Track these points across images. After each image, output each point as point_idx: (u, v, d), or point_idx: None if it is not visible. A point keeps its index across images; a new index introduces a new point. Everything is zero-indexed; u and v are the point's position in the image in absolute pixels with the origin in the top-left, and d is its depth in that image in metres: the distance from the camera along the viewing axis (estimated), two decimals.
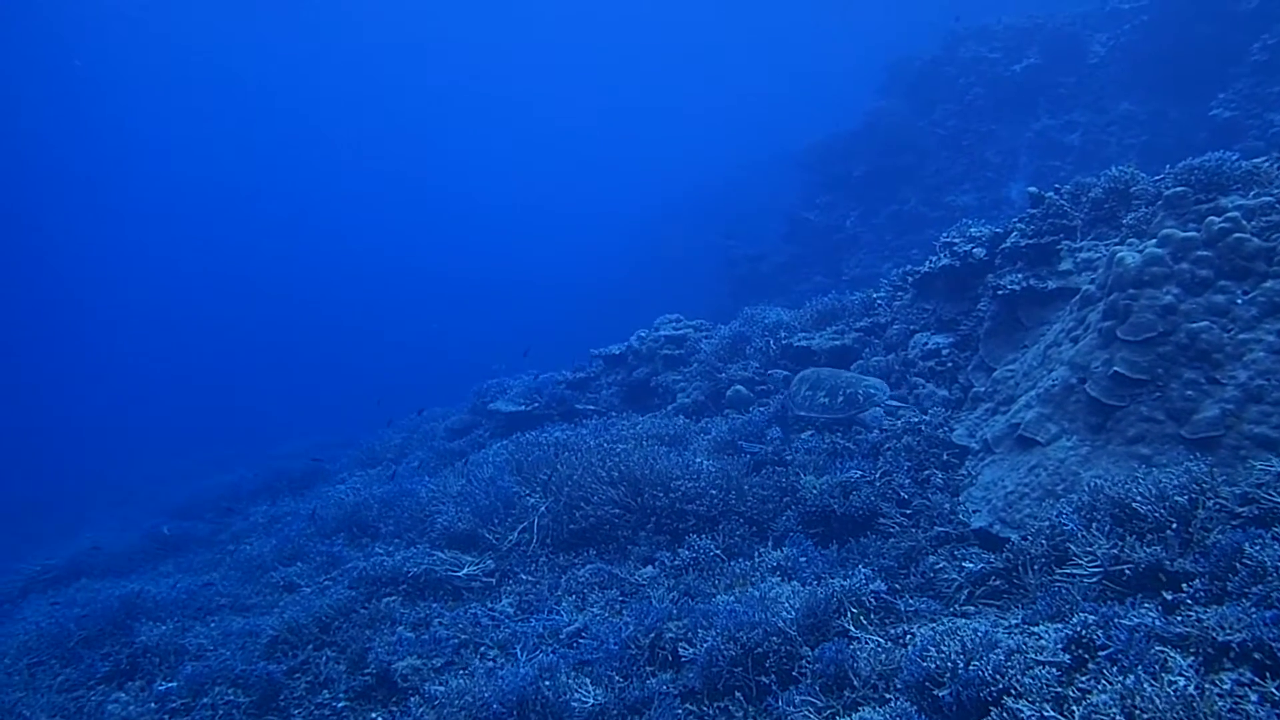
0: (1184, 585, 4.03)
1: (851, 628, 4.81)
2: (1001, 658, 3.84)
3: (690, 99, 65.43)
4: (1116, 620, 3.84)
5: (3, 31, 47.29)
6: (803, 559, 6.00)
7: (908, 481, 6.83)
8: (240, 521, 13.85)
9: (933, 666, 3.99)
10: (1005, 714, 3.57)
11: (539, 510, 7.69)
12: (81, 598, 10.38)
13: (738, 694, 4.70)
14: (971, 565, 5.43)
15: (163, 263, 63.90)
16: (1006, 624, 4.50)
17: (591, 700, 4.97)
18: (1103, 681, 3.51)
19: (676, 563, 6.62)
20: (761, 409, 8.91)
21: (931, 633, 4.36)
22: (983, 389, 7.40)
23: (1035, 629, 4.18)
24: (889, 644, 4.56)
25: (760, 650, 4.77)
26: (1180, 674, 3.38)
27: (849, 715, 4.19)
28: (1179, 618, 3.81)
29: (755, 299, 12.89)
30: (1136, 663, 3.51)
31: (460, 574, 7.35)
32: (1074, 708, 3.46)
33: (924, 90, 24.05)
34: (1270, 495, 4.38)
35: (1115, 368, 5.65)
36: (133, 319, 57.72)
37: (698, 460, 7.71)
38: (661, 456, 7.78)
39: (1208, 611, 3.72)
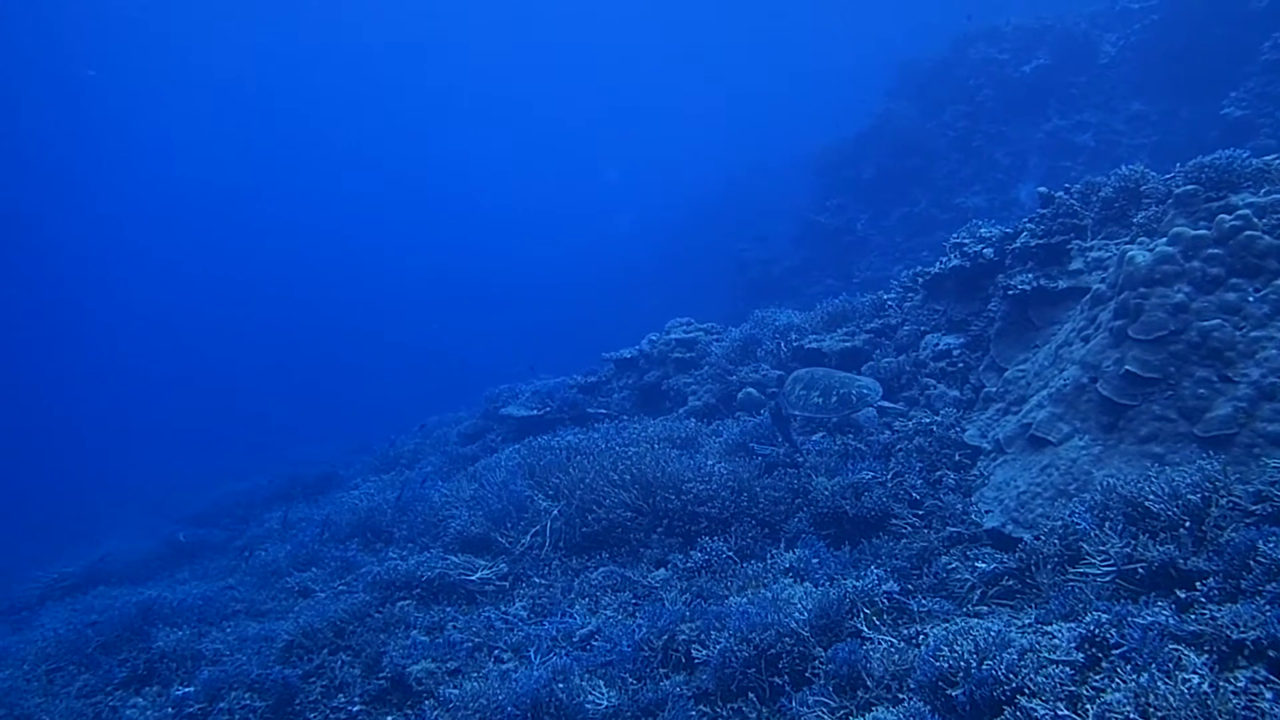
0: (1198, 584, 4.02)
1: (864, 628, 4.81)
2: (1015, 657, 3.84)
3: (695, 100, 65.61)
4: (1130, 619, 3.83)
5: (3, 33, 47.65)
6: (815, 560, 6.01)
7: (920, 482, 6.82)
8: (255, 528, 13.93)
9: (946, 666, 3.99)
10: (1019, 713, 3.57)
11: (551, 514, 7.71)
12: (99, 604, 10.46)
13: (751, 695, 4.71)
14: (984, 565, 5.42)
15: (166, 266, 64.25)
16: (1020, 623, 4.50)
17: (605, 702, 4.99)
18: (1116, 680, 3.51)
19: (689, 565, 6.63)
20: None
21: (944, 632, 4.37)
22: (994, 389, 7.39)
23: (1049, 628, 4.18)
24: (902, 644, 4.57)
25: (773, 651, 4.78)
26: (1194, 672, 3.38)
27: (862, 715, 4.20)
28: (1193, 616, 3.80)
29: (766, 302, 12.89)
30: (1150, 661, 3.51)
31: (474, 578, 7.38)
32: (1088, 706, 3.46)
33: (933, 92, 24.02)
34: None
35: (1127, 366, 5.64)
36: (139, 324, 58.09)
37: (709, 463, 7.72)
38: (673, 459, 7.80)
39: (1222, 609, 3.71)
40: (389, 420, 21.91)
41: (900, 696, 4.19)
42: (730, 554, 6.59)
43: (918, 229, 22.18)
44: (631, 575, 6.77)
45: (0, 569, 17.63)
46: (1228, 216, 5.72)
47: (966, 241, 8.71)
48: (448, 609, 7.12)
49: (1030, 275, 7.65)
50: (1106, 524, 4.68)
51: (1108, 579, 4.45)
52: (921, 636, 4.62)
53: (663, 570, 6.79)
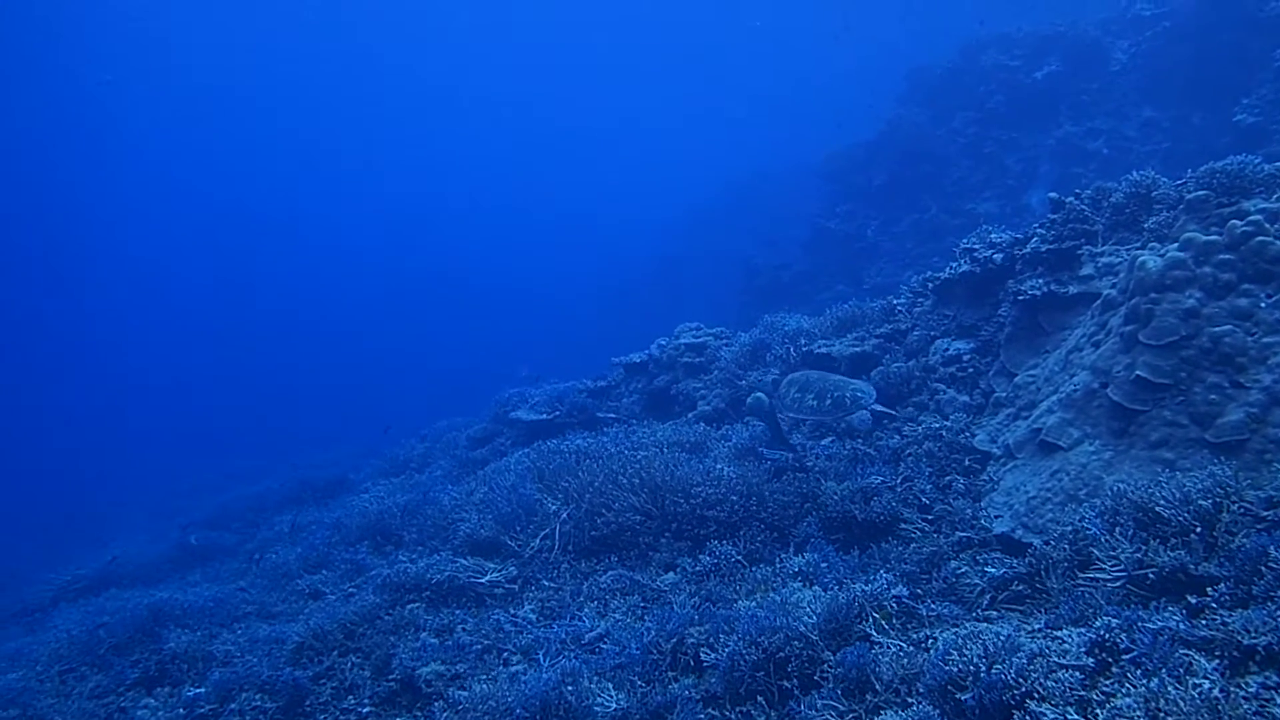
0: (1208, 589, 4.02)
1: (873, 632, 4.81)
2: (1024, 661, 3.84)
3: (702, 105, 65.68)
4: (1140, 624, 3.83)
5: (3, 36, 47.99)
6: (824, 564, 6.00)
7: (929, 487, 6.82)
8: (266, 531, 13.98)
9: (955, 670, 3.99)
10: (1028, 717, 3.57)
11: (561, 517, 7.72)
12: (111, 606, 10.52)
13: (760, 698, 4.71)
14: (994, 570, 5.42)
15: (172, 270, 64.58)
16: (1029, 628, 4.50)
17: (614, 705, 5.00)
18: (1126, 685, 3.51)
19: (698, 569, 6.64)
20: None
21: (954, 637, 4.37)
22: (1004, 394, 7.38)
23: (1058, 633, 4.17)
24: (911, 648, 4.57)
25: (782, 655, 4.79)
26: (1205, 677, 3.38)
27: (871, 719, 4.20)
28: (1204, 621, 3.79)
29: (775, 308, 12.89)
30: (1161, 666, 3.51)
31: (483, 580, 7.40)
32: (1098, 711, 3.46)
33: (943, 98, 23.99)
34: None
35: (1137, 372, 5.63)
36: (146, 328, 58.31)
37: (718, 467, 7.72)
38: (682, 463, 7.81)
39: (1233, 615, 3.70)
40: (397, 425, 21.94)
41: (909, 700, 4.19)
42: (739, 558, 6.59)
43: (928, 235, 22.15)
44: (640, 579, 6.78)
45: (12, 572, 17.76)
46: (1239, 222, 5.71)
47: (977, 247, 8.70)
48: (457, 612, 7.14)
49: (1041, 280, 7.64)
50: (1117, 529, 4.67)
51: (1118, 584, 4.44)
52: (930, 641, 4.62)
53: (672, 574, 6.80)
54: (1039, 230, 8.15)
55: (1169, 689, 3.31)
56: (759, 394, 8.09)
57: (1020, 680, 3.74)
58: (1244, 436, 5.07)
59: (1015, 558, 5.49)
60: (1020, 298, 7.66)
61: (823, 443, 8.32)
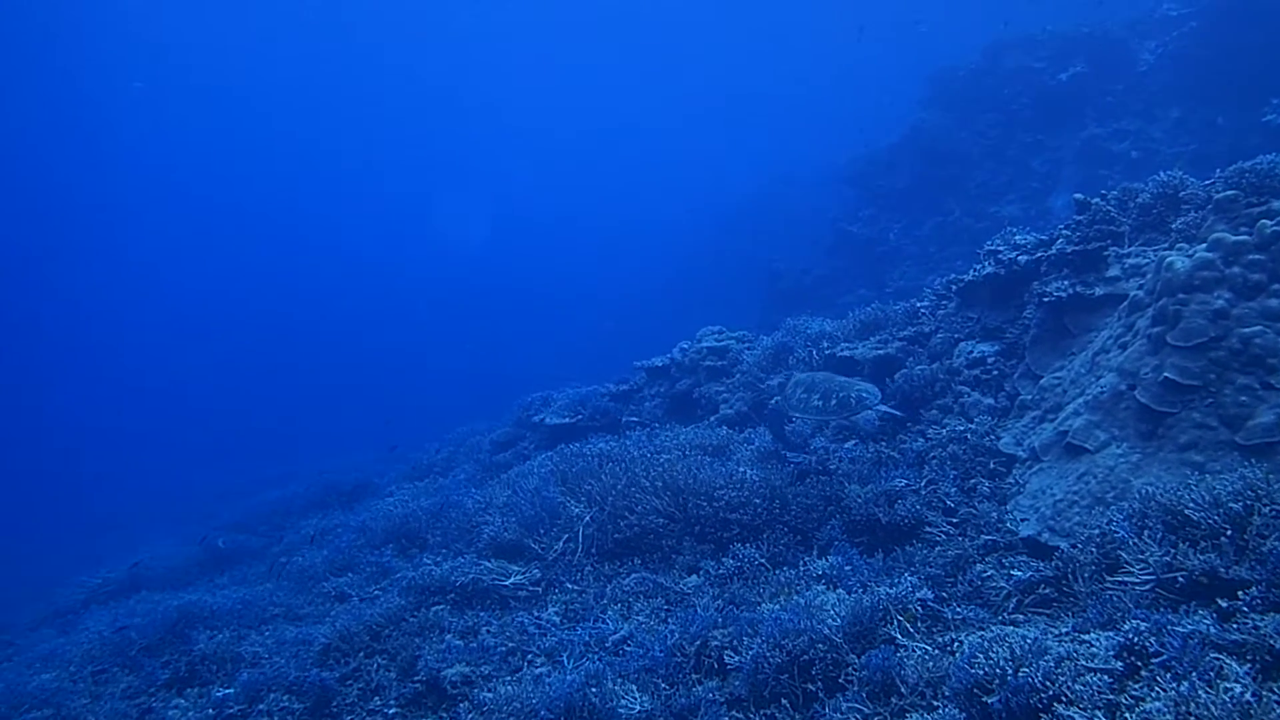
0: (1239, 593, 3.96)
1: (898, 635, 4.79)
2: (1052, 664, 3.81)
3: (725, 111, 65.60)
4: (1170, 627, 3.79)
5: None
6: (848, 567, 5.99)
7: (954, 490, 6.78)
8: (292, 534, 14.11)
9: (981, 673, 3.97)
10: None
11: (584, 520, 7.75)
12: (141, 608, 10.68)
13: (784, 701, 4.70)
14: (1020, 573, 5.37)
15: (197, 277, 65.14)
16: (1057, 632, 4.46)
17: (638, 707, 5.01)
18: (1156, 689, 3.48)
19: (721, 571, 6.64)
20: (806, 420, 8.89)
21: (980, 640, 4.34)
22: (1029, 397, 7.32)
23: (1086, 636, 4.14)
24: (936, 651, 4.54)
25: (806, 658, 4.77)
26: (1236, 681, 3.34)
27: None
28: (1235, 625, 3.75)
29: (798, 312, 12.85)
30: (1191, 670, 3.47)
31: (507, 583, 7.44)
32: (1126, 715, 3.43)
33: (967, 101, 23.86)
34: None
35: (1166, 374, 5.57)
36: (172, 335, 58.86)
37: (741, 470, 7.72)
38: (705, 466, 7.81)
39: (1265, 619, 3.66)
40: (422, 430, 22.08)
41: (935, 704, 4.17)
42: (763, 561, 6.59)
43: (951, 239, 22.03)
44: (664, 581, 6.79)
45: (44, 576, 18.02)
46: (1269, 222, 5.64)
47: (1001, 248, 8.65)
48: (482, 614, 7.18)
49: (1066, 282, 7.58)
50: (1145, 532, 4.62)
51: (1146, 588, 4.40)
52: (956, 644, 4.59)
53: (695, 577, 6.80)
54: (1064, 232, 8.09)
55: (1199, 693, 3.27)
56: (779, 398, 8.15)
57: (1048, 684, 3.71)
58: (1275, 439, 5.00)
59: (1042, 561, 5.44)
60: (1045, 300, 7.60)
61: (845, 445, 8.30)
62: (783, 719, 4.65)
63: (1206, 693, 3.27)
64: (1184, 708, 3.26)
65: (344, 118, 71.98)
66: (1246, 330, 5.38)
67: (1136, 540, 4.61)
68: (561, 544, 7.70)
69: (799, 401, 7.58)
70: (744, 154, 50.43)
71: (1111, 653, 3.81)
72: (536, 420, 12.71)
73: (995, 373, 8.16)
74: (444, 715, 6.00)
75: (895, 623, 4.88)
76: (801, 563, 6.38)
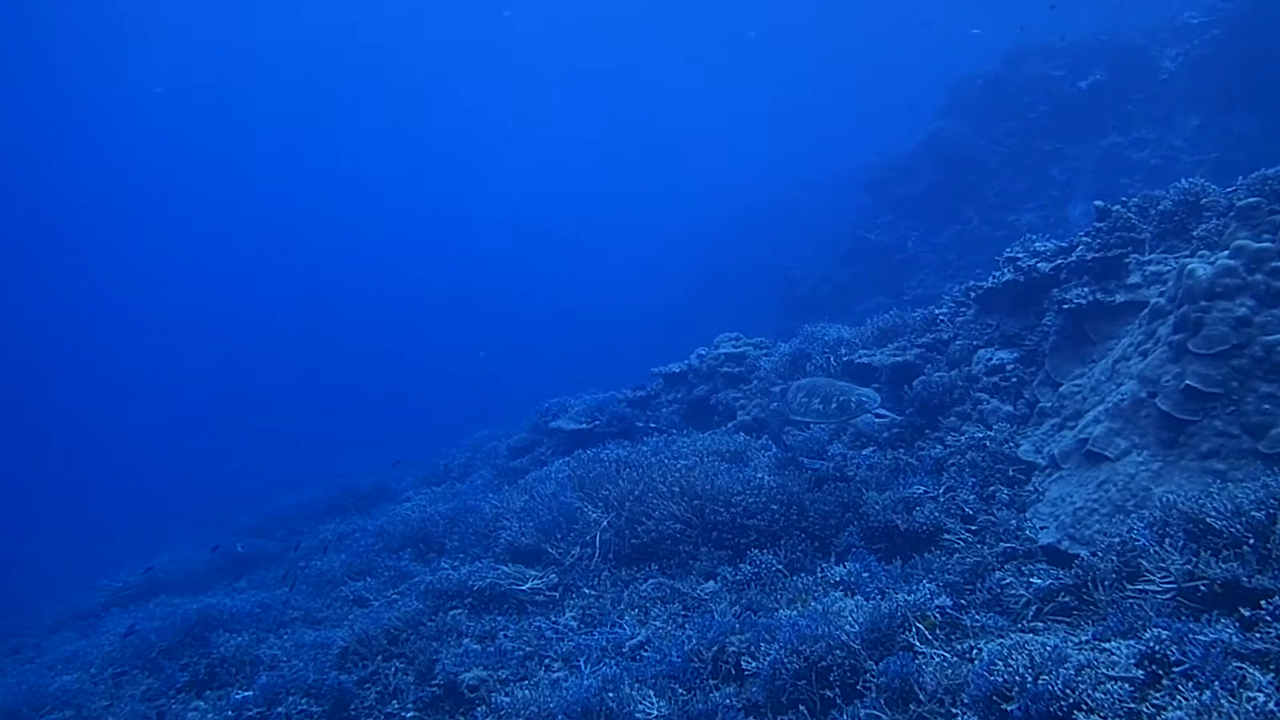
0: (1263, 602, 3.93)
1: (916, 642, 4.78)
2: (1072, 672, 3.79)
3: (739, 116, 65.61)
4: (1192, 636, 3.77)
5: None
6: (866, 574, 5.98)
7: (973, 497, 6.76)
8: (310, 539, 14.19)
9: (1000, 680, 3.96)
10: None
11: (601, 525, 7.77)
12: (161, 611, 10.77)
13: (801, 707, 4.70)
14: (1039, 581, 5.35)
15: (209, 283, 65.47)
16: (1077, 640, 4.44)
17: (655, 712, 5.01)
18: (1178, 698, 3.46)
19: (738, 577, 6.64)
20: (820, 427, 8.89)
21: (999, 647, 4.33)
22: (1049, 404, 7.29)
23: (1107, 645, 4.12)
24: (955, 658, 4.52)
25: (824, 664, 4.77)
26: (1259, 690, 3.32)
27: None
28: (1258, 634, 3.72)
29: (815, 319, 12.82)
30: (1213, 679, 3.45)
31: (524, 588, 7.46)
32: None
33: (985, 108, 23.78)
34: None
35: (1187, 381, 5.54)
36: (187, 343, 59.12)
37: (759, 476, 7.72)
38: (722, 472, 7.81)
39: None
40: (438, 436, 22.16)
41: (954, 711, 4.15)
42: (780, 567, 6.58)
43: (969, 246, 21.93)
44: (681, 587, 6.80)
45: (64, 579, 18.23)
46: None
47: (1020, 255, 8.62)
48: (499, 618, 7.21)
49: (1086, 289, 7.54)
50: (1166, 540, 4.59)
51: (1168, 596, 4.37)
52: (975, 651, 4.57)
53: (712, 583, 6.81)
54: (1084, 239, 8.06)
55: (1222, 702, 3.25)
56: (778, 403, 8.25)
57: (1068, 691, 3.70)
58: None
59: (1061, 569, 5.41)
60: (1065, 306, 7.57)
61: (864, 452, 8.29)
62: None
63: (1229, 702, 3.25)
64: (1207, 717, 3.24)
65: (353, 120, 72.40)
66: (1269, 338, 5.34)
67: (1158, 548, 4.58)
68: (578, 549, 7.73)
69: (799, 405, 7.67)
70: (760, 160, 50.39)
71: (1132, 661, 3.79)
72: (553, 426, 12.74)
73: (1014, 380, 8.13)
74: (462, 718, 6.02)
75: (914, 630, 4.87)
76: (819, 569, 6.37)
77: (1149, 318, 6.53)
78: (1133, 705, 3.55)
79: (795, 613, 5.56)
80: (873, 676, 4.60)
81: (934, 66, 27.44)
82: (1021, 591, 5.38)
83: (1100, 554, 5.06)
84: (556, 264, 61.88)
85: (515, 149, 76.85)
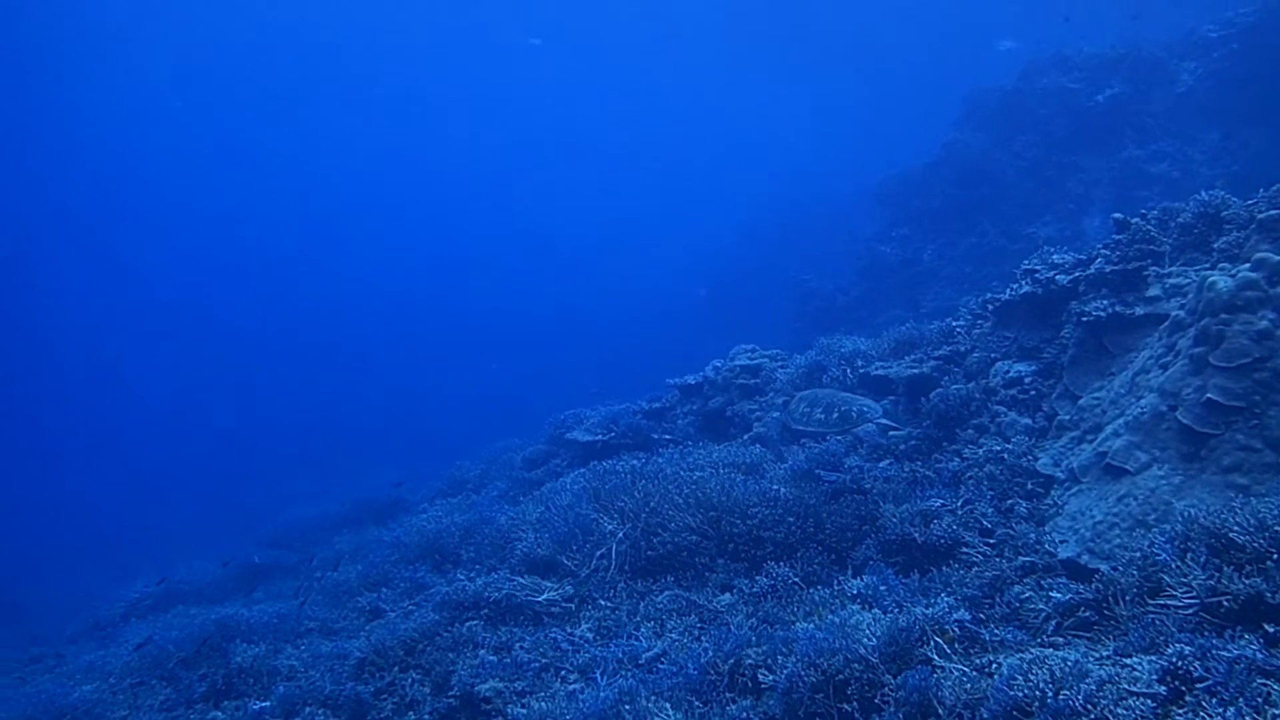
0: None
1: (935, 656, 4.74)
2: (1093, 688, 3.76)
3: (755, 128, 65.65)
4: (1215, 652, 3.73)
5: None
6: (883, 587, 5.94)
7: (991, 511, 6.72)
8: (326, 550, 14.25)
9: (1020, 695, 3.93)
10: None
11: (616, 537, 7.76)
12: (178, 622, 10.84)
13: None
14: (1059, 595, 5.31)
15: (222, 300, 65.88)
16: (1097, 655, 4.40)
17: None
18: (1201, 714, 3.43)
19: (755, 590, 6.62)
20: (839, 438, 8.86)
21: (1019, 662, 4.30)
22: (1068, 417, 7.25)
23: (1128, 660, 4.08)
24: (974, 673, 4.49)
25: (841, 677, 4.74)
26: None
27: None
28: None
29: (831, 332, 12.82)
30: (1237, 695, 3.42)
31: (540, 599, 7.46)
32: None
33: (1002, 121, 23.72)
34: None
35: (1208, 394, 5.50)
36: (202, 358, 59.37)
37: (775, 488, 7.71)
38: (739, 484, 7.80)
39: None
40: (452, 449, 22.20)
41: None
42: (796, 579, 6.56)
43: (986, 259, 21.84)
44: (697, 599, 6.79)
45: (82, 590, 18.38)
46: None
47: (1039, 268, 8.59)
48: (515, 629, 7.21)
49: (1106, 302, 7.51)
50: (1188, 555, 4.55)
51: (1190, 612, 4.33)
52: (994, 666, 4.54)
53: (728, 595, 6.79)
54: (1104, 251, 8.03)
55: (1246, 719, 3.22)
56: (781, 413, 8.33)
57: (1089, 707, 3.66)
58: None
59: (1081, 583, 5.36)
60: (1084, 319, 7.54)
61: (880, 465, 8.26)
62: None
63: (1254, 719, 3.21)
64: None
65: (367, 137, 72.78)
66: None
67: (1179, 563, 4.54)
68: (594, 561, 7.72)
69: (802, 415, 7.74)
70: (776, 172, 50.40)
71: (1155, 677, 3.76)
72: (569, 437, 12.75)
73: (1032, 393, 8.09)
74: None
75: (932, 643, 4.83)
76: (836, 582, 6.35)
77: (1169, 330, 6.49)
78: None
79: (812, 625, 5.53)
80: (891, 691, 4.56)
81: (952, 79, 27.37)
82: (1041, 606, 5.34)
83: (1121, 568, 5.02)
84: (570, 278, 62.07)
85: (530, 162, 77.10)
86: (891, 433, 8.15)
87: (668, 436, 11.62)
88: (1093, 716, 3.63)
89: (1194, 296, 6.22)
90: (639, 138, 73.49)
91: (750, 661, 5.33)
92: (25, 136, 56.45)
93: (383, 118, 71.40)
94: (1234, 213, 7.22)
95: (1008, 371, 8.39)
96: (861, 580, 6.16)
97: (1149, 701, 3.60)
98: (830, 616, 5.55)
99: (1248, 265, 5.81)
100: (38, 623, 17.12)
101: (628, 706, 5.15)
